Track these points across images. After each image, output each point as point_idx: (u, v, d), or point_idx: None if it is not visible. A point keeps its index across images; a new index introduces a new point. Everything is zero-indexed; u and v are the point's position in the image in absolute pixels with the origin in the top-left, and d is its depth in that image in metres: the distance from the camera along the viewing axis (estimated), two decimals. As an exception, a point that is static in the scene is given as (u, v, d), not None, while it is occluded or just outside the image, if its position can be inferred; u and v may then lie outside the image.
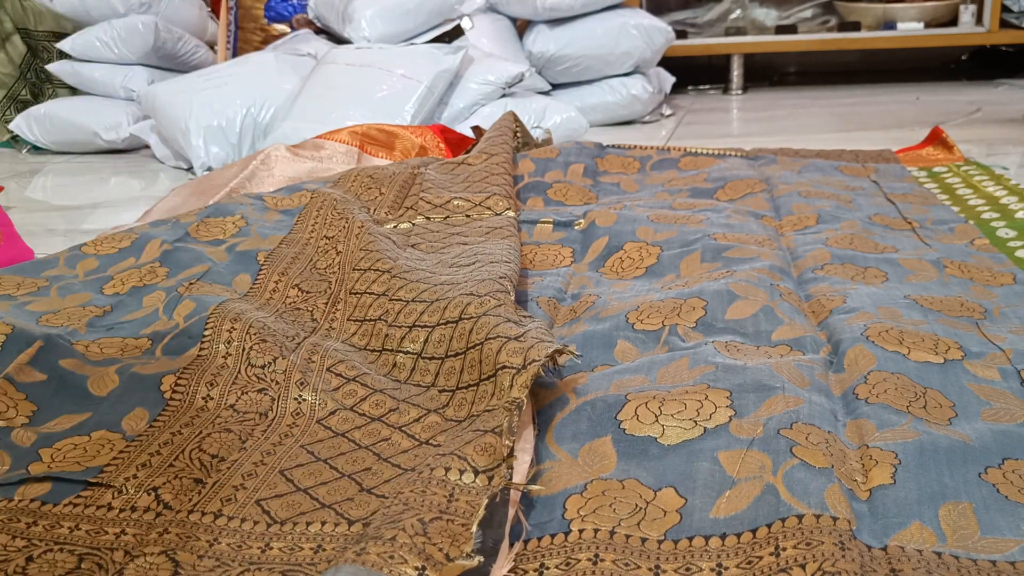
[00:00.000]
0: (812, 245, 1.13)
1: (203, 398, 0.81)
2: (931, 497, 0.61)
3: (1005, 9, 2.64)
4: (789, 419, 0.69)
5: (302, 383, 0.83)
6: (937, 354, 0.81)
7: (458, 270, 1.02)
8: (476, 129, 1.86)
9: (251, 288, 1.06)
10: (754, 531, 0.59)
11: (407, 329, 0.89)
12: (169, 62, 2.39)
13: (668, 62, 2.52)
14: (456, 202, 1.28)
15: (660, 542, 0.60)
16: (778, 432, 0.67)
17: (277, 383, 0.83)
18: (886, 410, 0.71)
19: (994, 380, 0.77)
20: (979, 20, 2.65)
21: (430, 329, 0.87)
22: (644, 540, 0.60)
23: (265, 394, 0.82)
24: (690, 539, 0.60)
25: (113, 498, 0.68)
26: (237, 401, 0.80)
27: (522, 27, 2.44)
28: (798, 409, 0.71)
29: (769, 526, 0.59)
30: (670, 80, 2.52)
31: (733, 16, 2.84)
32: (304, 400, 0.82)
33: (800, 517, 0.59)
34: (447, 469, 0.64)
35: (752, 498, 0.62)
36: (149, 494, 0.68)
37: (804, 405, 0.72)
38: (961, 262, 1.06)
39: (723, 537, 0.59)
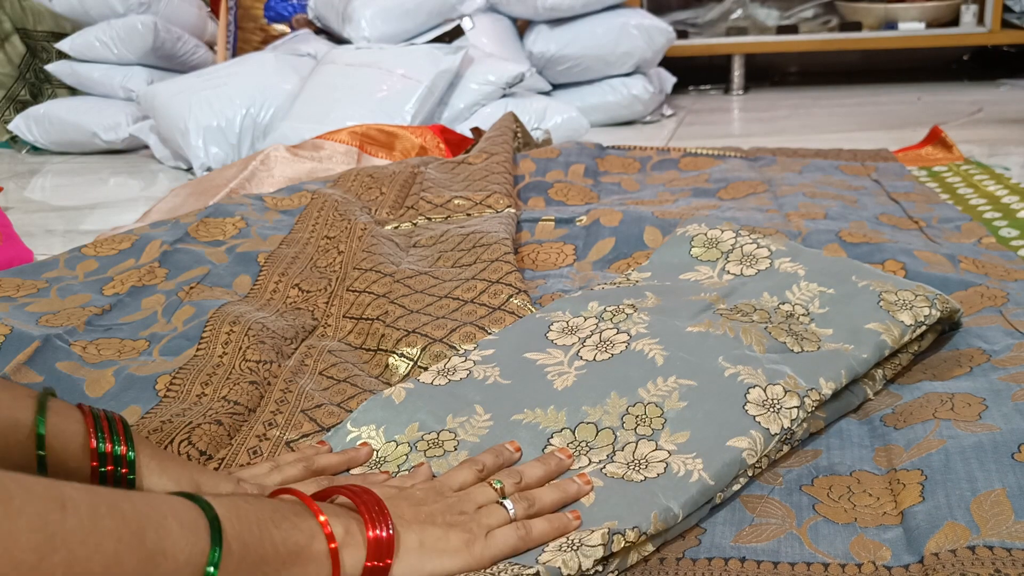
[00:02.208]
0: (825, 235, 1.12)
1: (197, 395, 0.81)
2: (960, 496, 0.59)
3: (1007, 9, 2.64)
4: (810, 474, 0.67)
5: (291, 382, 0.83)
6: (961, 366, 0.78)
7: (461, 271, 1.01)
8: (475, 131, 1.86)
9: (251, 289, 1.06)
10: (775, 564, 0.58)
11: (405, 332, 0.89)
12: (168, 62, 2.38)
13: (669, 62, 2.52)
14: (457, 201, 1.27)
15: (678, 560, 0.59)
16: (800, 488, 0.66)
17: (268, 383, 0.83)
18: (912, 429, 0.68)
19: (1022, 365, 0.74)
20: (980, 20, 2.65)
21: (431, 341, 0.87)
22: (662, 560, 0.60)
23: (256, 387, 0.82)
24: (709, 560, 0.59)
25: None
26: (229, 392, 0.80)
27: (522, 27, 2.44)
28: (816, 462, 0.68)
29: (792, 565, 0.58)
30: (671, 80, 2.52)
31: (734, 16, 2.84)
32: (290, 392, 0.82)
33: (826, 565, 0.57)
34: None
35: (774, 537, 0.61)
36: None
37: (822, 456, 0.69)
38: (974, 259, 1.05)
39: (742, 561, 0.59)
